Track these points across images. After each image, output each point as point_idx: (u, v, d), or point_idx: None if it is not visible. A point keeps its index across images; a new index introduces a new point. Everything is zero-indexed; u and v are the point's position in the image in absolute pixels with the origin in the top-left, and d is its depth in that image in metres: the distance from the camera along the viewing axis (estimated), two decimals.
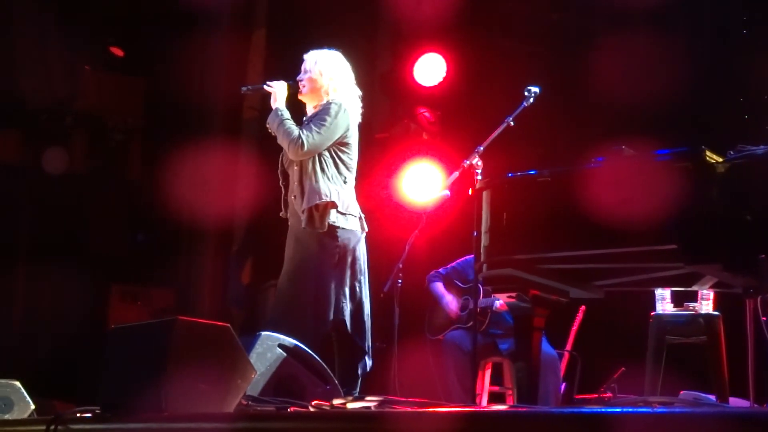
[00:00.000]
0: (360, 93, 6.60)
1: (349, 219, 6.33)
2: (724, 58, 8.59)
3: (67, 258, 10.17)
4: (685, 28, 8.95)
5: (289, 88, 6.56)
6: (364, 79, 6.68)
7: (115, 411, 4.65)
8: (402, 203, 9.63)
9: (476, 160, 6.33)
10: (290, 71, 6.67)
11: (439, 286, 7.90)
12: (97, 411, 4.78)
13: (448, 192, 7.04)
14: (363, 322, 6.36)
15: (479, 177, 6.23)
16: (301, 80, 6.55)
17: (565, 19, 9.75)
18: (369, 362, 6.42)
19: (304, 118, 6.48)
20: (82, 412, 4.85)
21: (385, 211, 9.19)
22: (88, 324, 10.18)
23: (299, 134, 6.24)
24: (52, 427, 4.67)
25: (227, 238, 10.95)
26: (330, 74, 6.49)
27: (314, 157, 6.30)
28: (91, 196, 11.06)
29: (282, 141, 6.35)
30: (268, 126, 6.48)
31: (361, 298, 6.37)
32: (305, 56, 6.59)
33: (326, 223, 6.22)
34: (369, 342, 6.42)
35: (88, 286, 10.40)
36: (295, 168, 6.35)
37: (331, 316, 6.23)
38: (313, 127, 6.28)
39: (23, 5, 10.56)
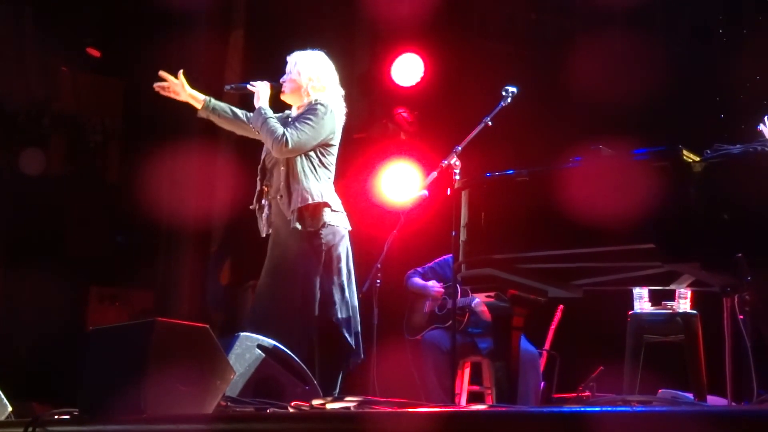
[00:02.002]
0: (343, 92, 6.60)
1: (340, 216, 6.35)
2: (701, 57, 8.63)
3: (46, 260, 10.13)
4: (662, 28, 9.00)
5: (272, 88, 6.56)
6: (342, 80, 6.68)
7: (93, 413, 4.64)
8: (380, 203, 9.63)
9: (454, 160, 6.33)
10: (269, 72, 6.66)
11: (418, 280, 7.91)
12: (76, 413, 4.77)
13: (426, 192, 7.05)
14: (351, 319, 6.35)
15: (457, 177, 6.23)
16: (283, 81, 6.56)
17: (543, 19, 9.77)
18: (359, 357, 6.42)
19: (289, 119, 6.47)
20: (60, 414, 4.84)
21: (364, 211, 9.18)
22: (67, 326, 10.15)
23: (284, 132, 6.23)
24: (30, 429, 4.65)
25: (206, 240, 10.93)
26: (309, 74, 6.49)
27: (301, 158, 6.29)
28: (69, 197, 11.02)
29: (266, 139, 6.34)
30: (251, 125, 6.47)
31: (348, 296, 6.36)
32: (288, 58, 6.61)
33: (320, 222, 6.22)
34: (360, 339, 6.42)
35: (66, 288, 10.36)
36: (282, 168, 6.33)
37: (318, 315, 6.22)
38: (299, 125, 6.27)
39: None
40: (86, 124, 11.40)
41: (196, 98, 6.62)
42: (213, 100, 6.65)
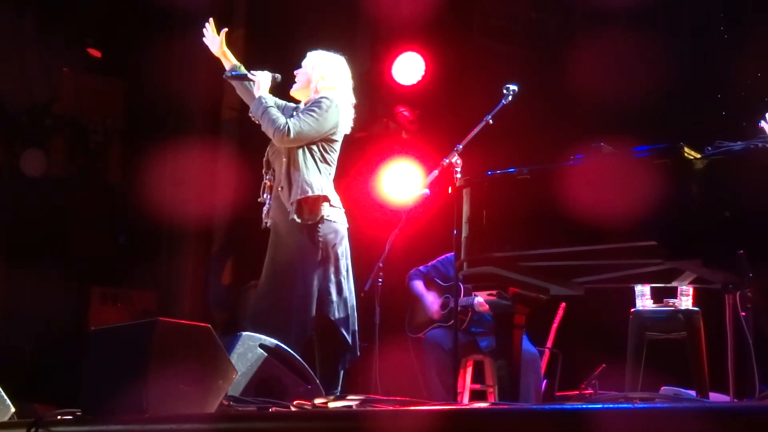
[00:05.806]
0: (354, 101, 6.59)
1: (339, 212, 6.34)
2: (702, 55, 8.63)
3: (48, 260, 10.13)
4: (663, 26, 8.99)
5: (273, 79, 6.55)
6: None
7: (96, 413, 4.64)
8: (381, 202, 9.63)
9: (455, 159, 6.33)
10: (270, 71, 6.67)
11: (419, 285, 7.91)
12: (78, 413, 4.77)
13: (427, 190, 7.04)
14: (348, 317, 6.35)
15: (459, 175, 6.22)
16: (297, 74, 6.58)
17: (544, 18, 9.77)
18: (356, 355, 6.41)
19: (294, 111, 6.46)
20: (63, 414, 4.84)
21: (365, 210, 9.18)
22: (69, 326, 10.15)
23: (286, 121, 6.22)
24: (33, 429, 4.65)
25: (207, 239, 10.94)
26: (321, 72, 6.49)
27: (304, 150, 6.28)
28: (71, 198, 11.02)
29: (267, 128, 6.31)
30: (251, 115, 6.46)
31: (345, 294, 6.36)
32: (308, 54, 6.63)
33: (318, 215, 6.21)
34: (356, 338, 6.41)
35: (68, 288, 10.37)
36: (283, 159, 6.32)
37: (315, 313, 6.21)
38: (302, 116, 6.26)
39: (0, 8, 10.52)
40: (88, 125, 11.40)
41: (227, 58, 6.69)
42: (243, 67, 6.67)
